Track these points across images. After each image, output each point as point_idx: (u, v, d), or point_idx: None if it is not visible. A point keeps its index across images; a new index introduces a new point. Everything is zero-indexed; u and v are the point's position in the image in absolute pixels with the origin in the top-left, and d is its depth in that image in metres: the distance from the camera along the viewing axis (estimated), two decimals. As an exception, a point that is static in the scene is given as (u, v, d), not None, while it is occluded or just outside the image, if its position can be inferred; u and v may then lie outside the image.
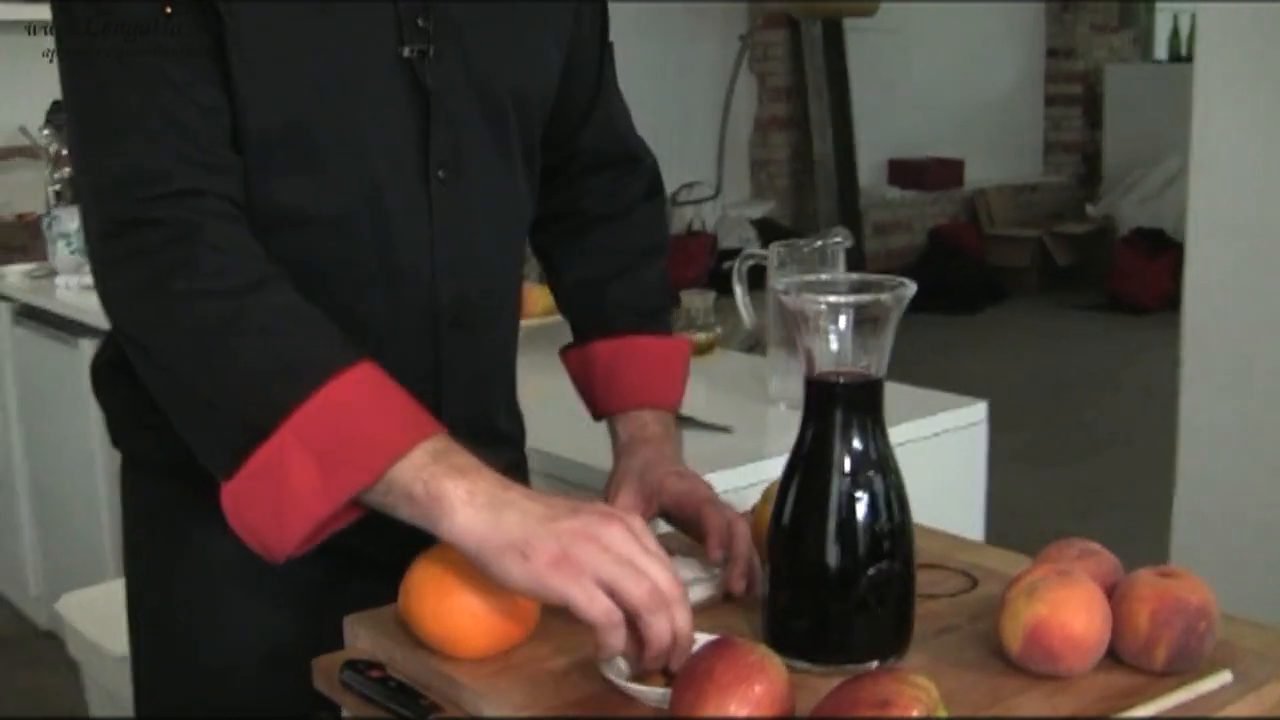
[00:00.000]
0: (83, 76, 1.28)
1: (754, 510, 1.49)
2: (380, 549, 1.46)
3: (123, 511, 1.55)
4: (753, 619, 1.30)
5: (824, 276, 1.25)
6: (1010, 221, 9.61)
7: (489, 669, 1.22)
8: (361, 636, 1.33)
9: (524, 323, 1.65)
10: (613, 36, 1.64)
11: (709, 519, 1.43)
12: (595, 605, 1.12)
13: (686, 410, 2.31)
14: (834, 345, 1.19)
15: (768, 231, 7.22)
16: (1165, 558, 3.06)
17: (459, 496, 1.15)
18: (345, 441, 1.16)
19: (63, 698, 3.49)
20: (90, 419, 3.55)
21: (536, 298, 2.93)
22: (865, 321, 1.18)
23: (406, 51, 1.35)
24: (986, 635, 1.25)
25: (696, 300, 2.80)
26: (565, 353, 1.69)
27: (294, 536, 1.17)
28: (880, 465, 1.20)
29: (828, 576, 1.20)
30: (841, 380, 1.20)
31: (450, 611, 1.22)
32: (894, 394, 2.38)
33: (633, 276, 1.66)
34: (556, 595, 1.13)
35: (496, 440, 1.58)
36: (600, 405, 1.64)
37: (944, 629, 1.29)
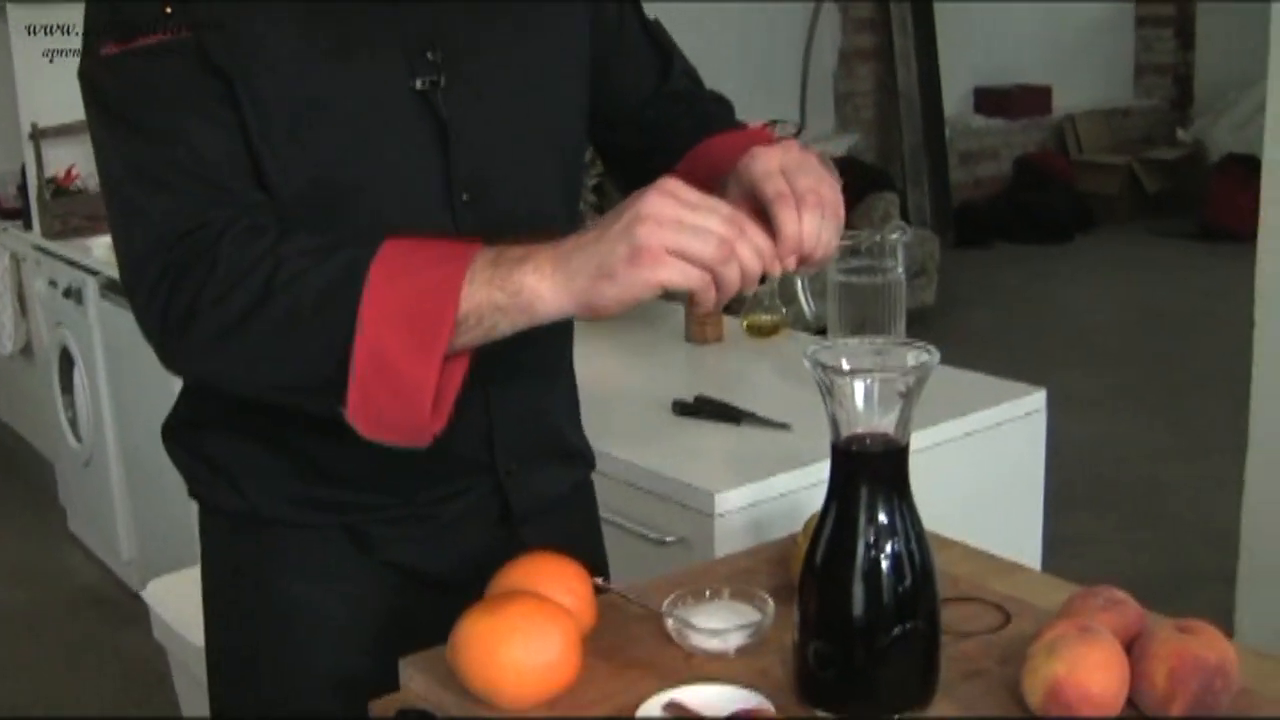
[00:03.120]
0: (116, 132, 1.35)
1: (796, 540, 1.54)
2: (447, 569, 1.54)
3: (201, 557, 1.62)
4: (789, 664, 1.35)
5: (851, 341, 1.29)
6: (1100, 148, 9.50)
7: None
8: (415, 679, 1.39)
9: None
10: None
11: (779, 220, 1.30)
12: (689, 275, 1.22)
13: (746, 404, 2.38)
14: (858, 411, 1.23)
15: (851, 169, 7.21)
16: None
17: (533, 278, 1.24)
18: (416, 301, 1.24)
19: (152, 662, 3.61)
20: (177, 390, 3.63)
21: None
22: (890, 392, 1.23)
23: (419, 84, 1.40)
24: (1015, 682, 1.28)
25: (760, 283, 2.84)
26: None
27: (424, 408, 1.26)
28: (905, 530, 1.24)
29: (852, 634, 1.25)
30: (867, 449, 1.24)
31: (495, 666, 1.28)
32: (951, 381, 2.45)
33: (690, 110, 1.65)
34: (652, 286, 1.22)
35: (567, 455, 1.65)
36: None
37: (972, 673, 1.34)
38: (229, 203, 1.33)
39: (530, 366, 1.55)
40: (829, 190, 1.32)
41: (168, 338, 1.33)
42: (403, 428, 1.28)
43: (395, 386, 1.26)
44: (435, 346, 1.25)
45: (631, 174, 1.65)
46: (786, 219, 1.28)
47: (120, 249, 1.36)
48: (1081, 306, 7.36)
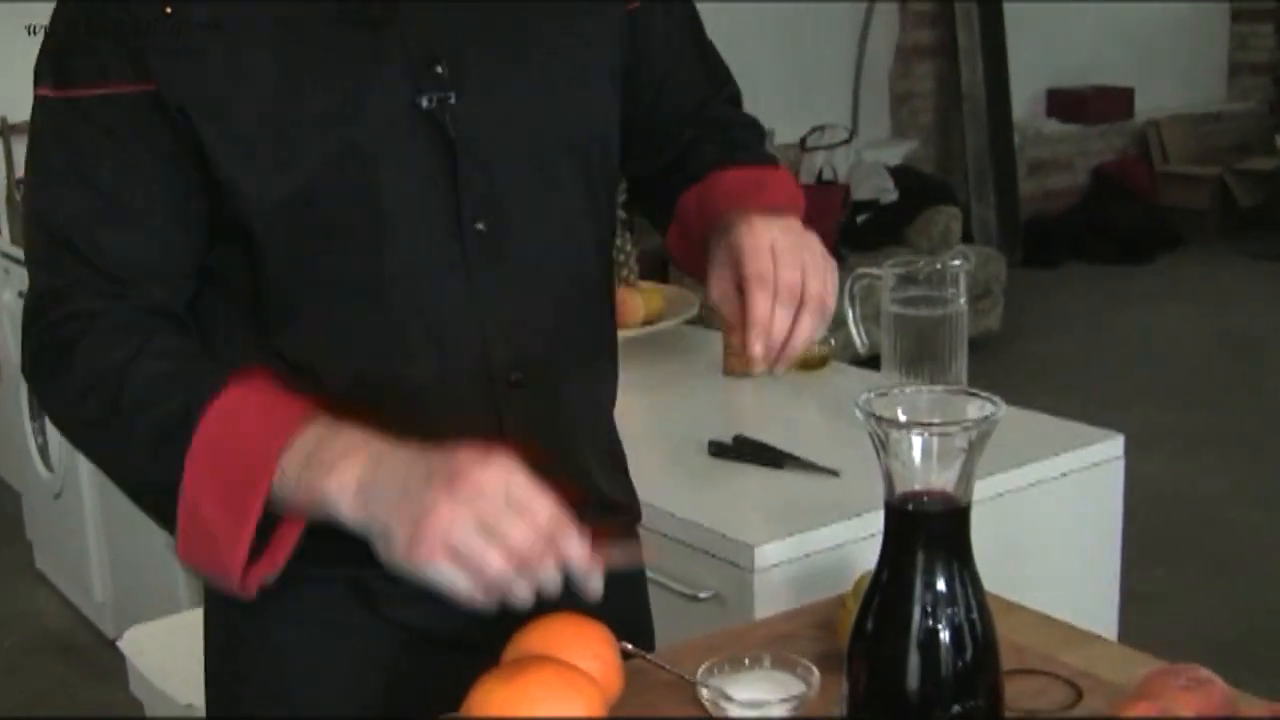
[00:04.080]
0: (33, 178, 1.45)
1: (844, 602, 1.55)
2: (460, 629, 1.55)
3: (204, 598, 1.67)
4: (836, 739, 1.37)
5: (908, 389, 1.31)
6: (1187, 157, 9.50)
7: (556, 794, 1.29)
8: (428, 748, 1.41)
9: (620, 333, 1.71)
10: None
11: (752, 300, 1.43)
12: (457, 584, 1.26)
13: (790, 447, 2.39)
14: (915, 467, 1.24)
15: (906, 180, 7.22)
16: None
17: (334, 493, 1.30)
18: (230, 474, 1.33)
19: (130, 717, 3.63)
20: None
21: (633, 305, 2.99)
22: (951, 447, 1.24)
23: (425, 102, 1.42)
24: (1084, 768, 1.31)
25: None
26: (666, 243, 1.72)
27: (237, 571, 1.35)
28: (965, 598, 1.25)
29: (907, 711, 1.26)
30: (924, 508, 1.25)
31: (515, 738, 1.29)
32: (1019, 424, 2.46)
33: (720, 136, 1.70)
34: (420, 579, 1.27)
35: (602, 508, 1.64)
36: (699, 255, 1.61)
37: (1039, 757, 1.35)
38: (105, 290, 1.41)
39: (562, 436, 1.58)
40: (815, 284, 1.43)
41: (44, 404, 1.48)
42: (221, 582, 1.37)
43: (210, 547, 1.35)
44: (245, 520, 1.33)
45: (648, 196, 1.72)
46: (760, 302, 1.41)
47: None
48: (1162, 335, 7.35)
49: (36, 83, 1.43)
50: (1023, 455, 2.38)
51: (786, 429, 2.51)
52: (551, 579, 1.27)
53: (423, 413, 1.44)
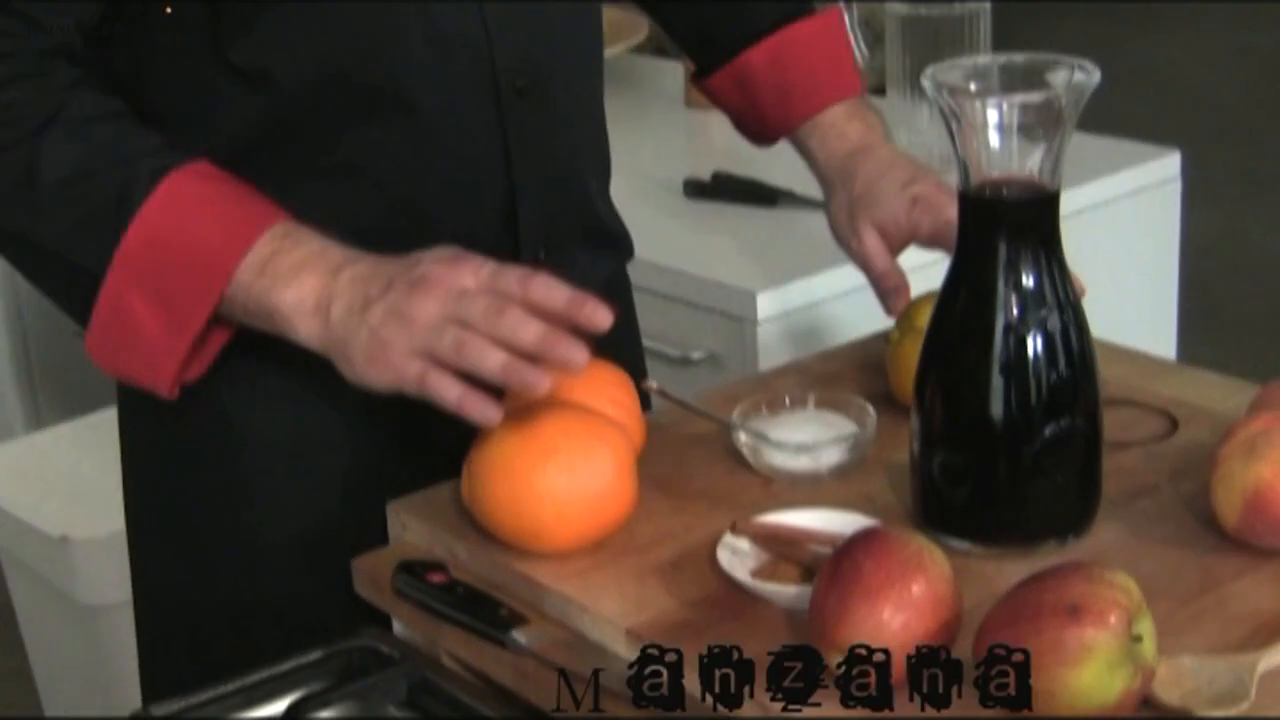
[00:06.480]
0: None
1: (889, 340, 1.60)
2: (434, 424, 1.60)
3: (118, 386, 1.69)
4: (899, 486, 1.43)
5: (981, 59, 1.36)
6: None
7: (579, 566, 1.35)
8: (412, 528, 1.46)
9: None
10: None
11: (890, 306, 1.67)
12: (426, 384, 1.32)
13: (782, 182, 2.43)
14: (995, 150, 1.31)
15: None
16: None
17: (290, 308, 1.38)
18: (174, 272, 1.41)
19: None
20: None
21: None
22: (1034, 121, 1.30)
23: None
24: (1193, 499, 1.38)
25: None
26: (707, 81, 1.87)
27: (168, 375, 1.43)
28: (1058, 299, 1.32)
29: (992, 438, 1.33)
30: (1005, 196, 1.32)
31: (525, 497, 1.34)
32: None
33: None
34: (385, 388, 1.35)
35: (604, 240, 1.75)
36: (776, 123, 1.85)
37: (1138, 491, 1.42)
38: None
39: (566, 157, 1.66)
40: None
41: None
42: (140, 382, 1.46)
43: (137, 348, 1.43)
44: (186, 328, 1.41)
45: (687, 31, 1.87)
46: (898, 305, 1.65)
47: None
48: (1197, 66, 7.35)
49: None
50: (1071, 176, 2.43)
51: (772, 162, 2.49)
52: (574, 354, 1.29)
53: (416, 126, 1.51)
